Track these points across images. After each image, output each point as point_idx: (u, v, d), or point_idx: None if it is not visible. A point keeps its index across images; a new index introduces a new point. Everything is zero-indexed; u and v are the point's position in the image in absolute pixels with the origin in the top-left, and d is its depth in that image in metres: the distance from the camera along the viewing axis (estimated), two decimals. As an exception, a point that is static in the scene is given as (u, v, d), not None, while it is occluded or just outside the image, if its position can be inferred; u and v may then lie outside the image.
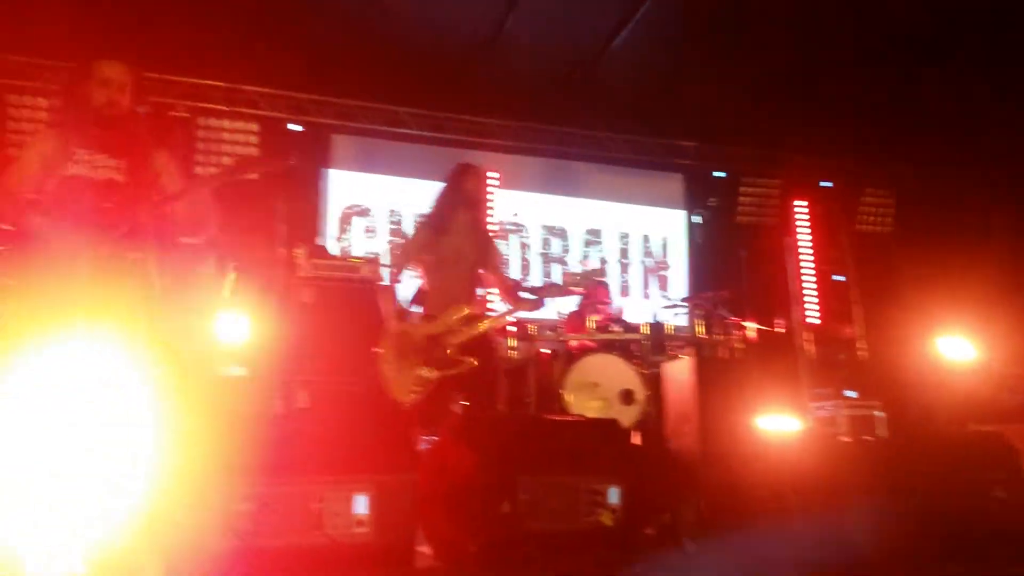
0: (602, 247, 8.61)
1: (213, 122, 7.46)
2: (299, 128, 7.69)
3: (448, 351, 3.76)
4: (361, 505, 2.33)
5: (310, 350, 5.04)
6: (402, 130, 8.02)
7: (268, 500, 2.21)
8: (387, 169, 7.98)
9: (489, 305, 4.79)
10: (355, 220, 7.84)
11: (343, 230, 7.77)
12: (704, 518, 2.27)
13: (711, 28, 6.98)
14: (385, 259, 7.30)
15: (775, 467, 2.68)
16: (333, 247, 7.51)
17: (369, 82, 7.66)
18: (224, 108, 7.49)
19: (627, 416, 5.58)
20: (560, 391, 5.67)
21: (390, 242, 7.83)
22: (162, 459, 2.50)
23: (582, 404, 5.58)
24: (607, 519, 2.56)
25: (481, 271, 4.07)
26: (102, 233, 2.84)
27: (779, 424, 4.14)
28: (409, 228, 7.92)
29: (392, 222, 7.94)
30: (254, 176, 7.21)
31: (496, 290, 4.35)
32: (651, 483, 2.67)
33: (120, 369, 2.55)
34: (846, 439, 5.62)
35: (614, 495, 2.67)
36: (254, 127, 7.55)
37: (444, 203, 4.11)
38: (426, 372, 3.70)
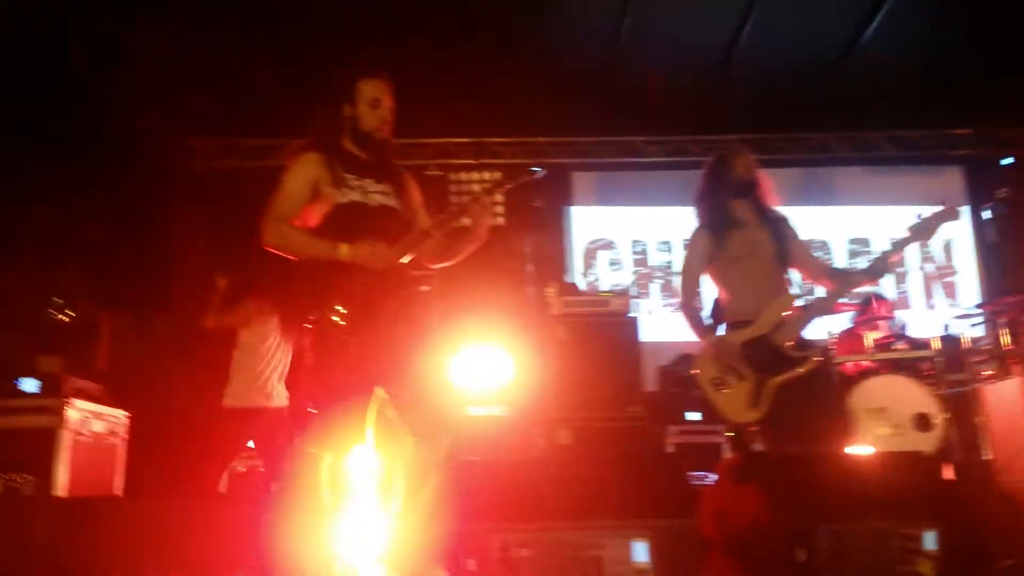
0: (873, 257, 7.80)
1: (463, 176, 7.87)
2: (541, 170, 7.86)
3: (785, 347, 3.27)
4: (641, 552, 2.19)
5: (567, 387, 5.05)
6: (642, 159, 7.93)
7: (547, 547, 2.15)
8: (628, 200, 7.93)
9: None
10: (599, 254, 7.83)
11: (588, 265, 7.80)
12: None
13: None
14: (632, 291, 7.20)
15: None
16: (580, 283, 7.56)
17: (604, 117, 7.68)
18: (472, 162, 7.89)
19: (924, 444, 4.92)
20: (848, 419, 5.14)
21: (635, 273, 7.72)
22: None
23: (868, 432, 5.01)
24: (926, 569, 2.19)
25: (785, 260, 3.51)
26: (396, 263, 2.72)
27: None
28: (654, 258, 7.77)
29: (636, 252, 7.83)
30: (500, 220, 7.65)
31: (806, 278, 3.71)
32: (977, 525, 2.25)
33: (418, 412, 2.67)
34: None
35: (931, 540, 2.28)
36: (499, 175, 7.85)
37: (715, 199, 3.60)
38: (754, 378, 3.24)
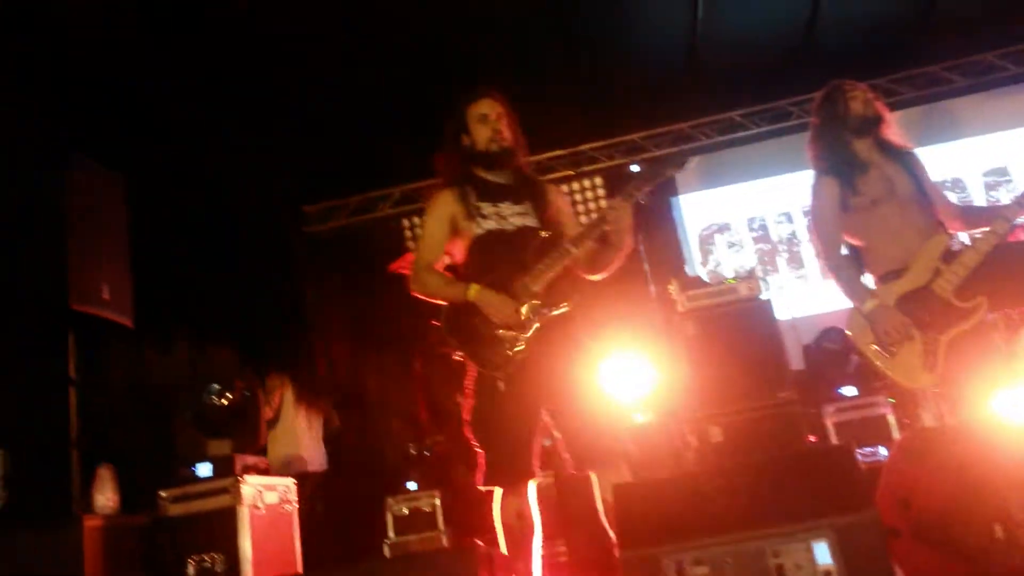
0: (1013, 184, 7.22)
1: (564, 188, 7.87)
2: (638, 168, 7.76)
3: (951, 300, 2.96)
4: (824, 554, 2.09)
5: (712, 383, 4.91)
6: (740, 134, 7.67)
7: (721, 562, 2.09)
8: (735, 178, 7.69)
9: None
10: (716, 239, 7.62)
11: (706, 252, 7.60)
12: None
13: None
14: (759, 271, 6.95)
15: None
16: (702, 273, 7.38)
17: (695, 99, 7.51)
18: (572, 172, 7.87)
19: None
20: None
21: (758, 251, 7.45)
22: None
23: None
24: None
25: (926, 198, 3.22)
26: (517, 317, 2.67)
27: None
28: (775, 231, 7.48)
29: (754, 230, 7.57)
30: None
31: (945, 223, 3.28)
32: None
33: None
34: None
35: None
36: (599, 180, 7.83)
37: (835, 140, 3.31)
38: (922, 337, 2.96)
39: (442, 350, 2.87)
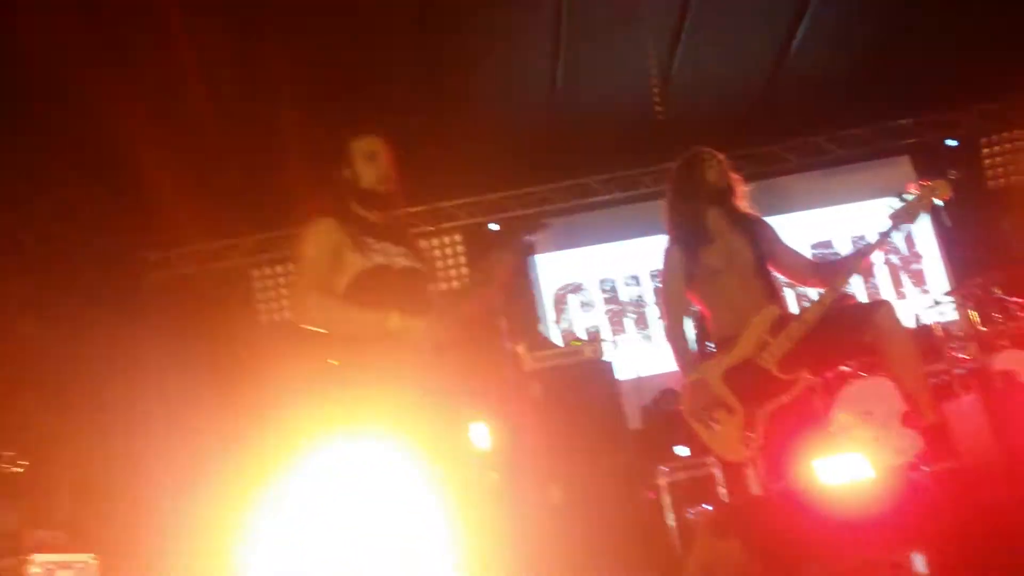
0: (837, 256, 7.86)
1: (423, 244, 7.86)
2: (497, 227, 7.89)
3: (773, 372, 3.07)
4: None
5: (553, 442, 4.98)
6: (596, 199, 7.97)
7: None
8: (590, 240, 7.96)
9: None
10: (570, 298, 7.83)
11: (560, 311, 7.78)
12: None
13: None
14: (604, 334, 7.20)
15: None
16: (554, 331, 7.54)
17: (554, 163, 7.76)
18: (431, 228, 7.89)
19: (917, 442, 4.87)
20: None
21: (607, 312, 7.71)
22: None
23: (858, 439, 4.96)
24: (918, 596, 2.14)
25: (765, 268, 3.30)
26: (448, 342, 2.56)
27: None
28: (624, 293, 7.77)
29: (605, 291, 7.83)
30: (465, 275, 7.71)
31: (791, 280, 3.49)
32: (966, 542, 2.20)
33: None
34: None
35: (921, 564, 2.24)
36: (458, 237, 7.89)
37: (687, 209, 3.38)
38: (742, 411, 3.05)
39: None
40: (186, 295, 7.23)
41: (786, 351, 3.10)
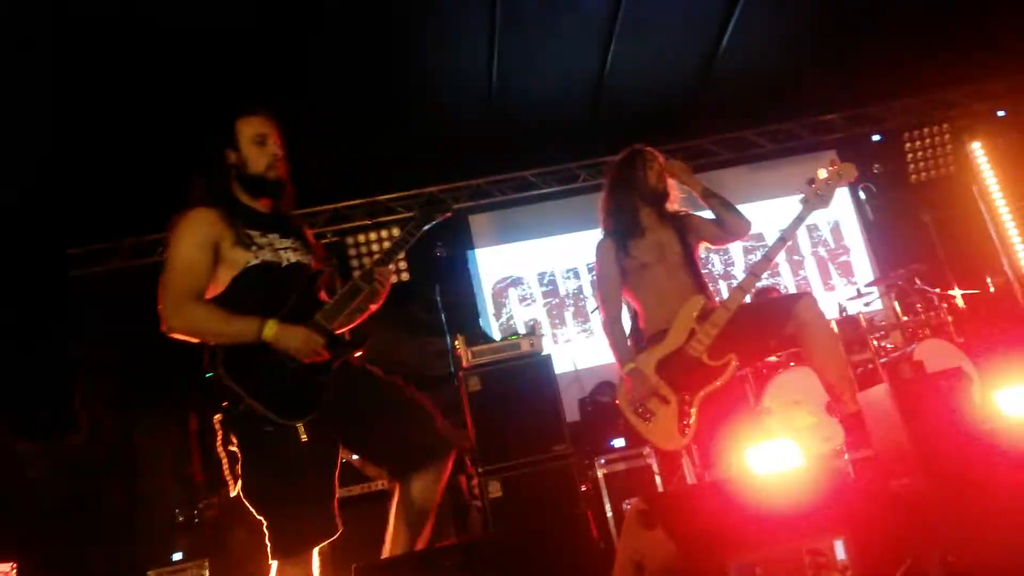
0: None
1: (361, 238, 7.78)
2: (415, 215, 7.81)
3: (703, 359, 3.17)
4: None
5: (490, 438, 4.98)
6: (533, 192, 8.00)
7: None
8: (528, 234, 7.98)
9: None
10: (510, 292, 7.85)
11: (500, 305, 7.79)
12: (954, 570, 1.88)
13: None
14: (543, 328, 7.25)
15: None
16: (493, 325, 7.56)
17: (492, 157, 7.76)
18: (368, 222, 7.81)
19: (842, 430, 5.04)
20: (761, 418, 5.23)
21: (547, 304, 7.76)
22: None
23: (789, 428, 5.11)
24: (838, 582, 2.21)
25: (694, 256, 3.47)
26: (328, 327, 2.40)
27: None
28: (563, 286, 7.83)
29: (544, 284, 7.87)
30: (404, 276, 7.63)
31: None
32: (881, 528, 2.29)
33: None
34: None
35: (840, 550, 2.32)
36: (395, 231, 7.83)
37: (622, 203, 3.54)
38: (676, 400, 3.17)
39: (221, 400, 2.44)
40: (114, 294, 6.99)
41: (713, 338, 3.21)
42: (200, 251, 2.36)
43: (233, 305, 2.35)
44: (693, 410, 3.20)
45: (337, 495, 2.45)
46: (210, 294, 2.41)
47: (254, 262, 2.39)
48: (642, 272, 3.46)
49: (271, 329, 2.30)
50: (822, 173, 3.36)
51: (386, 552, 2.50)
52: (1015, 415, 3.51)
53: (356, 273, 2.63)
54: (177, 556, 5.17)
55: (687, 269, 3.43)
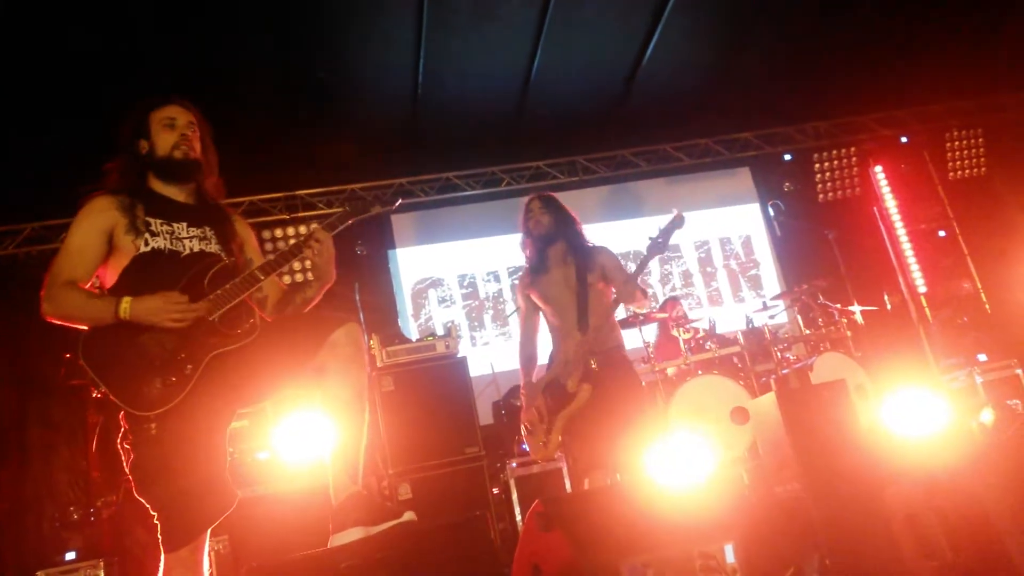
0: (683, 260, 8.29)
1: (279, 232, 7.63)
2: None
3: (568, 386, 3.50)
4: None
5: (404, 439, 4.97)
6: (457, 194, 8.01)
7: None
8: (449, 236, 7.98)
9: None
10: (429, 293, 7.83)
11: (419, 306, 7.77)
12: (830, 574, 1.99)
13: (732, 15, 6.72)
14: (461, 330, 7.28)
15: (919, 492, 2.25)
16: (412, 325, 7.53)
17: (416, 157, 7.74)
18: (286, 216, 7.66)
19: (744, 437, 5.25)
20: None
21: (466, 307, 7.77)
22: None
23: (694, 432, 5.27)
24: (726, 585, 2.31)
25: (587, 296, 3.67)
26: (200, 316, 2.33)
27: (914, 421, 3.73)
28: (483, 289, 7.87)
29: (464, 286, 7.89)
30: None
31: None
32: (769, 535, 2.40)
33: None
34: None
35: (730, 554, 2.42)
36: (314, 226, 7.70)
37: (531, 244, 3.86)
38: (550, 419, 3.51)
39: (71, 383, 2.35)
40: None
41: (580, 372, 3.51)
42: (88, 238, 2.37)
43: (126, 292, 2.31)
44: (557, 428, 3.55)
45: (224, 468, 2.40)
46: (109, 282, 2.41)
47: (144, 249, 2.37)
48: (545, 305, 3.79)
49: (125, 304, 2.26)
50: (662, 224, 3.69)
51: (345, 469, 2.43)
52: (899, 428, 3.73)
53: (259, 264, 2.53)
54: (70, 556, 4.96)
55: (582, 303, 3.66)
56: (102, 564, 4.93)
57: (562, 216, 3.82)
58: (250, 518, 4.69)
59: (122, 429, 2.33)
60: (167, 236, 2.42)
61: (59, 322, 2.33)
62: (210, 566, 2.42)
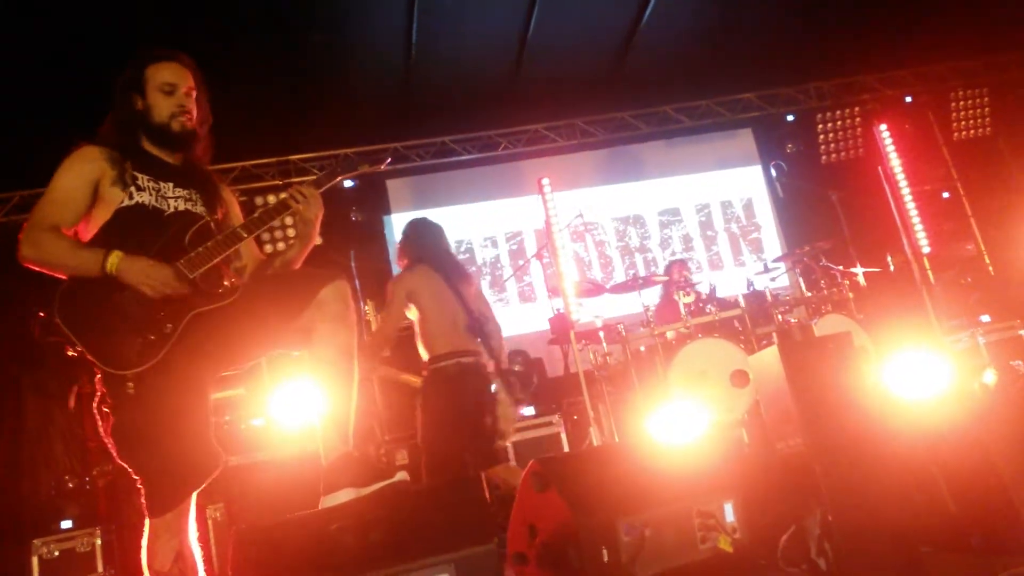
0: (683, 224, 8.19)
1: (271, 198, 7.52)
2: (352, 184, 7.67)
3: None
4: (449, 586, 2.11)
5: (398, 406, 4.92)
6: (453, 159, 7.89)
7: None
8: (446, 201, 7.86)
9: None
10: (426, 259, 7.72)
11: (417, 272, 7.66)
12: (831, 530, 1.93)
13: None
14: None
15: (921, 448, 2.20)
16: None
17: (411, 121, 7.61)
18: (279, 182, 7.55)
19: (744, 400, 5.19)
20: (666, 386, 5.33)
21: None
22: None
23: (694, 396, 5.22)
24: (725, 544, 2.25)
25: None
26: (179, 288, 2.25)
27: (917, 382, 3.67)
28: (480, 254, 7.77)
29: (461, 252, 7.79)
30: (319, 240, 7.40)
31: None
32: (770, 492, 2.34)
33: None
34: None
35: (729, 512, 2.36)
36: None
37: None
38: None
39: (47, 340, 2.27)
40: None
41: None
42: (73, 185, 2.32)
43: (105, 245, 2.25)
44: None
45: (208, 429, 2.34)
46: (89, 234, 2.33)
47: (127, 203, 2.32)
48: None
49: (114, 258, 2.19)
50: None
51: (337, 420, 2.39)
52: (901, 390, 3.67)
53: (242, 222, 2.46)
54: (66, 524, 4.93)
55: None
56: (99, 532, 4.91)
57: None
58: (247, 483, 4.66)
59: (99, 393, 2.26)
60: (153, 192, 2.38)
61: (36, 268, 2.25)
62: (209, 534, 2.37)
